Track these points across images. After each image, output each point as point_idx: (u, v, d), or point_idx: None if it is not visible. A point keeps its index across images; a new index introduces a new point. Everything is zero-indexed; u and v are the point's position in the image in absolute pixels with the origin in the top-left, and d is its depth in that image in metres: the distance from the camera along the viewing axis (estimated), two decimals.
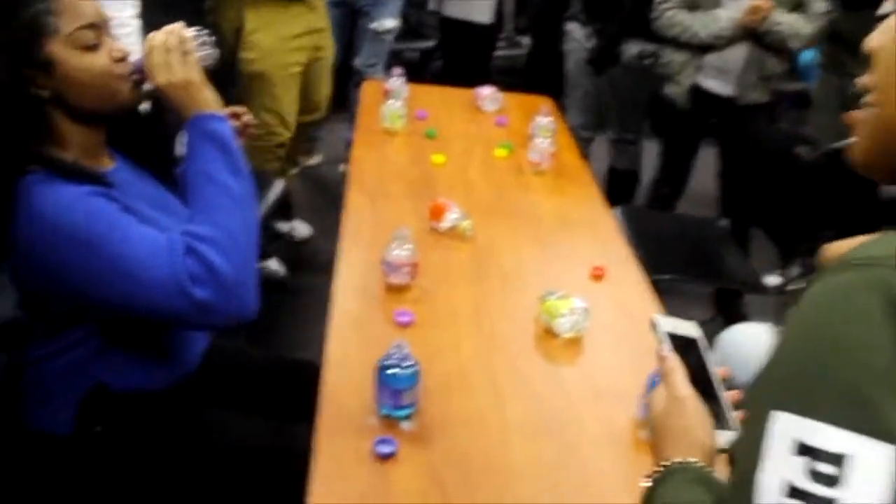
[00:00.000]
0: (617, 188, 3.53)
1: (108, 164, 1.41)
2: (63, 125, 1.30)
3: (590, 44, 3.39)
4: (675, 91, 3.09)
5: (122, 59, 1.32)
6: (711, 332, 2.29)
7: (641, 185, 3.63)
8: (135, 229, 1.22)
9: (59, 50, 1.25)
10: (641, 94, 3.39)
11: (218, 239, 1.21)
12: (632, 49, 3.28)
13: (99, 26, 1.30)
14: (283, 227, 3.51)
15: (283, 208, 3.35)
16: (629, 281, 1.92)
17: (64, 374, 1.36)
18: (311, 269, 3.34)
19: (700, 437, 0.86)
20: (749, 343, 1.92)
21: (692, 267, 2.60)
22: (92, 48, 1.28)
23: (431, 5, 4.18)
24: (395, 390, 1.35)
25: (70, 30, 1.25)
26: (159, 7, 2.30)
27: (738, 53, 2.89)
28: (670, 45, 3.05)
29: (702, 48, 2.95)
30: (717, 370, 0.98)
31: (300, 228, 3.59)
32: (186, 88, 1.29)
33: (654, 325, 1.00)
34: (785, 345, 0.67)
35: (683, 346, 0.98)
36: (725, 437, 0.87)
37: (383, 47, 4.02)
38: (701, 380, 0.93)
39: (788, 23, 2.80)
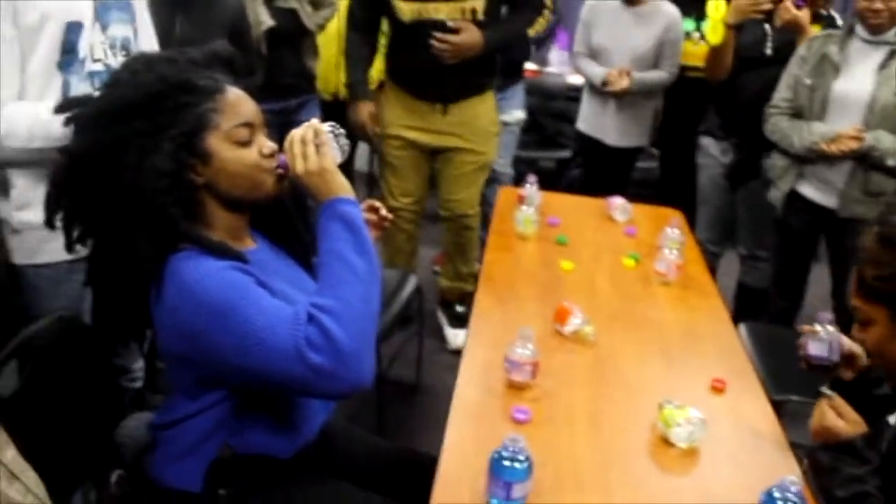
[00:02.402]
0: (746, 305, 3.49)
1: (250, 245, 1.55)
2: (213, 209, 1.46)
3: (726, 159, 3.42)
4: (773, 196, 3.06)
5: (271, 156, 1.47)
6: None
7: None
8: (264, 300, 1.33)
9: (216, 143, 1.41)
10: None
11: (338, 310, 1.29)
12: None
13: (253, 124, 1.46)
14: None
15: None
16: (750, 397, 1.91)
17: (198, 435, 1.48)
18: (439, 367, 3.45)
19: None
20: None
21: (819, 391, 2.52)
22: (245, 144, 1.44)
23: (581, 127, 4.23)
24: (507, 482, 1.40)
25: (229, 126, 1.42)
26: None
27: (843, 166, 2.80)
28: (776, 149, 3.03)
29: (802, 157, 2.91)
30: None
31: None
32: (321, 175, 1.41)
33: None
34: None
35: None
36: None
37: (512, 140, 4.21)
38: None
39: (884, 144, 2.68)
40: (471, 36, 3.01)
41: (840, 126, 2.76)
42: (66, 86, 1.83)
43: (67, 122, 1.44)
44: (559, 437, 1.69)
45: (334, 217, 1.39)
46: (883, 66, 2.72)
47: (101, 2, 1.88)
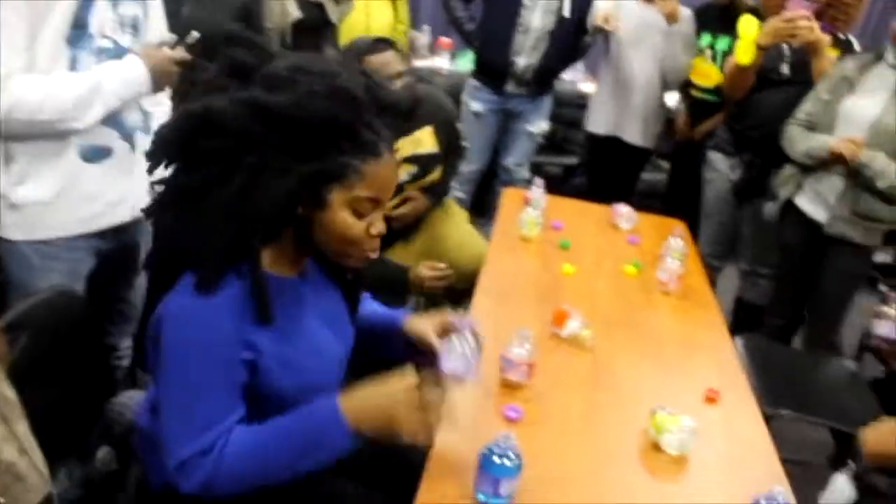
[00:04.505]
0: (743, 320, 3.48)
1: (296, 273, 1.48)
2: (289, 240, 1.40)
3: (734, 174, 3.41)
4: (769, 208, 3.10)
5: (377, 237, 1.42)
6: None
7: None
8: (211, 392, 1.33)
9: (339, 200, 1.35)
10: None
11: (238, 478, 1.34)
12: None
13: (381, 202, 1.40)
14: None
15: None
16: (742, 408, 1.91)
17: None
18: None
19: None
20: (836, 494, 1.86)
21: (812, 407, 2.52)
22: (361, 216, 1.38)
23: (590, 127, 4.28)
24: (495, 478, 1.40)
25: (359, 194, 1.35)
26: None
27: (836, 182, 2.83)
28: (787, 160, 3.05)
29: (804, 167, 2.94)
30: None
31: None
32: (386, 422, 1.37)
33: None
34: None
35: None
36: None
37: (533, 147, 4.30)
38: None
39: (877, 165, 2.68)
40: (422, 203, 2.89)
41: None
42: (73, 61, 1.81)
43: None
44: (550, 437, 1.68)
45: (339, 425, 1.37)
46: None
47: None
